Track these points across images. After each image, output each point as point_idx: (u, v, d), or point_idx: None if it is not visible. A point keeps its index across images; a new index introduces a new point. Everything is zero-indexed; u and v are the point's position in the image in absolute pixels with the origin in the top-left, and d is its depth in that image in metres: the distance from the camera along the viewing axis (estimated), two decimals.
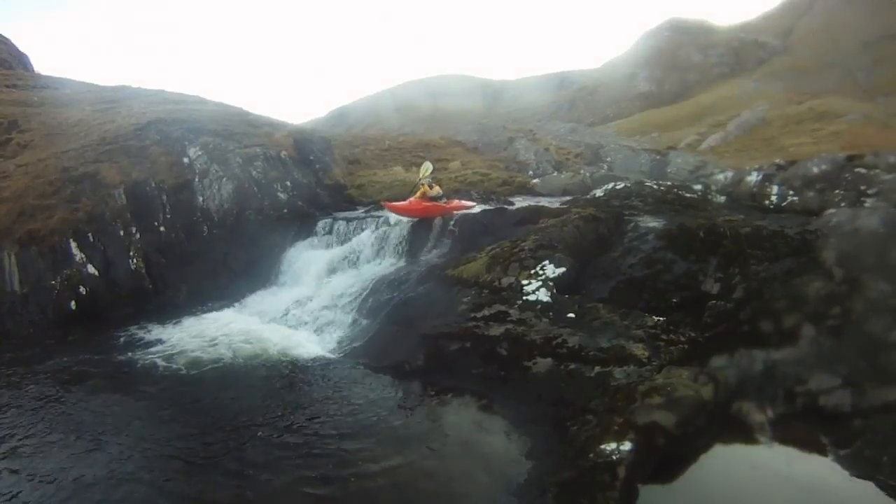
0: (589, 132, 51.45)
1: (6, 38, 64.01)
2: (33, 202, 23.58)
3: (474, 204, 22.66)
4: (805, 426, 10.12)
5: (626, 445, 8.75)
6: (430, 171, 22.25)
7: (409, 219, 21.42)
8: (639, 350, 11.28)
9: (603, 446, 8.88)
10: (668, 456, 9.10)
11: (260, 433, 11.81)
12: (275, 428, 11.94)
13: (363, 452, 10.65)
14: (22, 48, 66.10)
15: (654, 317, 12.56)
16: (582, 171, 31.67)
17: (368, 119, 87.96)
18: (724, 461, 9.61)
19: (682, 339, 11.60)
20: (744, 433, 10.06)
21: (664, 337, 11.66)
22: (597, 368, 11.28)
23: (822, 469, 9.34)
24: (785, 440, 9.90)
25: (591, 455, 8.83)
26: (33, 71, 59.55)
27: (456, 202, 22.24)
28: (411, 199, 21.46)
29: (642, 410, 9.35)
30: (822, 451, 9.66)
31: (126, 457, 11.25)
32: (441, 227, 20.50)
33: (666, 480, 9.11)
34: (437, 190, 21.74)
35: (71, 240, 22.53)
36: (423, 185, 21.44)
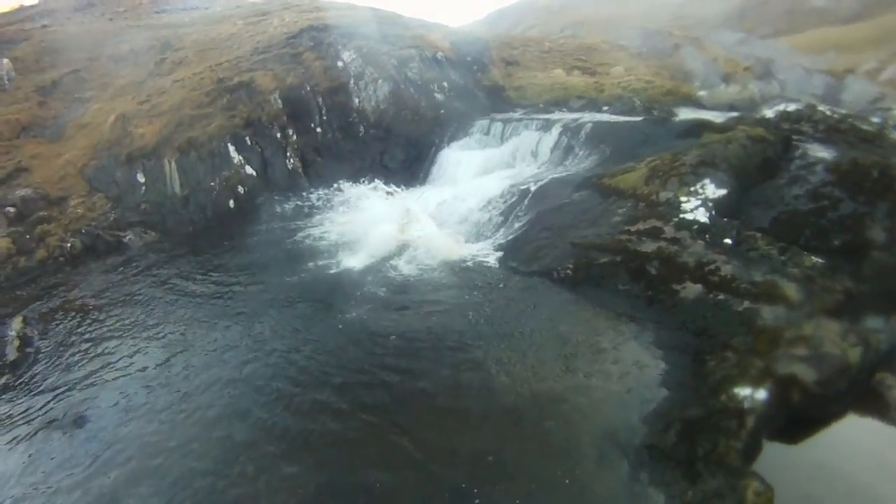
0: (760, 45, 47.42)
1: None
2: (191, 112, 25.71)
3: None
4: None
5: (761, 394, 8.39)
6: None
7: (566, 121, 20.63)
8: (791, 291, 10.48)
9: (736, 390, 8.57)
10: (799, 414, 8.58)
11: (400, 327, 12.78)
12: (414, 323, 12.88)
13: (500, 354, 11.16)
14: None
15: (812, 257, 11.57)
16: (751, 86, 29.62)
17: (528, 20, 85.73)
18: (856, 434, 8.89)
19: (839, 287, 10.58)
20: (882, 408, 9.12)
21: (820, 281, 10.70)
22: (745, 303, 10.67)
23: None
24: None
25: (723, 397, 8.57)
26: None
27: None
28: None
29: (784, 359, 8.83)
30: None
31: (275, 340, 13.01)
32: (597, 132, 19.72)
33: (791, 441, 8.65)
34: None
35: (229, 144, 24.60)
36: None
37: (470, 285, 14.38)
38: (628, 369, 10.33)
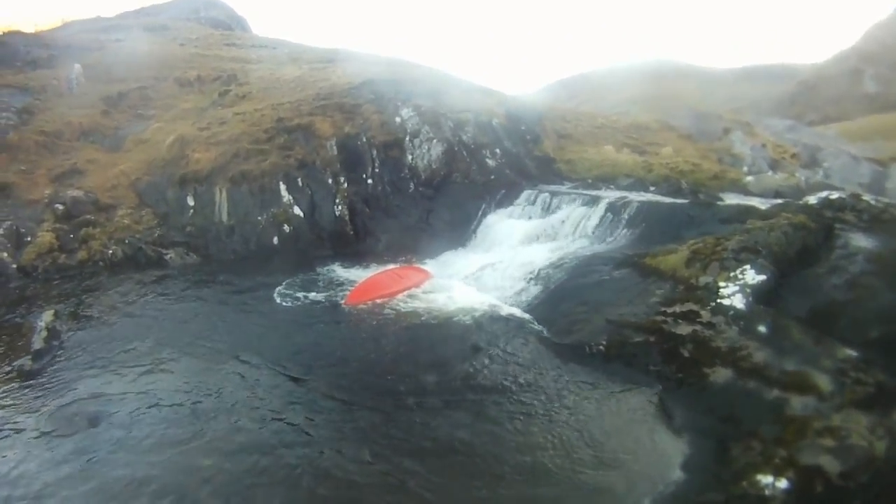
0: (808, 132, 47.85)
1: (224, 3, 71.74)
2: (248, 146, 27.07)
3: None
4: None
5: (783, 483, 8.65)
6: None
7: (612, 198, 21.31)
8: (823, 382, 10.72)
9: (759, 477, 8.83)
10: None
11: (422, 382, 13.04)
12: (436, 382, 13.03)
13: (523, 422, 11.36)
14: (240, 13, 72.90)
15: (846, 349, 11.73)
16: (797, 174, 30.08)
17: (582, 95, 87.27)
18: None
19: (871, 380, 10.82)
20: None
21: (852, 374, 10.89)
22: (775, 392, 10.92)
23: None
24: None
25: (745, 483, 8.83)
26: (251, 33, 64.67)
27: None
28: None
29: (809, 449, 9.10)
30: None
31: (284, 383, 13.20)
32: (642, 212, 20.21)
33: None
34: None
35: (281, 182, 25.65)
36: None
37: (499, 350, 14.74)
38: (651, 449, 10.57)
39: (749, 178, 28.68)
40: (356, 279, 20.48)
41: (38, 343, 15.36)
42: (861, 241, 15.76)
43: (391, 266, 21.73)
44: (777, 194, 25.43)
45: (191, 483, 9.39)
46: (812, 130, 50.07)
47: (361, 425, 11.24)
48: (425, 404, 12.11)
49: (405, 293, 19.08)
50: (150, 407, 11.88)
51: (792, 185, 26.81)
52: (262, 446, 10.38)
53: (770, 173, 31.00)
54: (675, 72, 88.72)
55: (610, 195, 22.47)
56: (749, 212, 18.62)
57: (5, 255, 21.72)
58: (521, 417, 11.54)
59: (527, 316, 16.97)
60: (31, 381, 13.31)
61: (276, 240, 24.43)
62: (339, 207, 25.60)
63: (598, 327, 14.87)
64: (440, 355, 14.48)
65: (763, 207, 19.05)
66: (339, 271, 22.17)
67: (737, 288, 14.26)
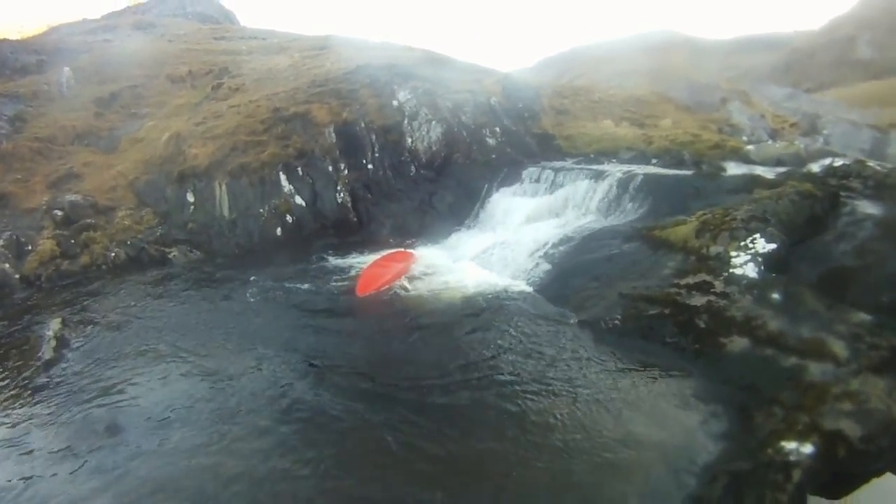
0: (806, 100, 47.38)
1: None
2: (245, 138, 27.00)
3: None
4: None
5: (808, 448, 8.64)
6: None
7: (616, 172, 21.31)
8: (839, 348, 10.72)
9: (783, 444, 8.83)
10: (842, 470, 8.80)
11: (444, 368, 12.96)
12: (459, 367, 12.99)
13: (548, 402, 11.36)
14: (227, 6, 73.45)
15: (860, 313, 11.72)
16: (797, 142, 29.92)
17: (576, 69, 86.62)
18: (890, 496, 9.20)
19: (885, 344, 10.80)
20: None
21: (867, 339, 10.89)
22: (792, 359, 10.91)
23: None
24: None
25: (770, 450, 8.83)
26: (239, 25, 64.55)
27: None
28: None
29: (830, 414, 9.10)
30: None
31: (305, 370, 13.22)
32: (647, 184, 20.15)
33: (832, 496, 8.92)
34: None
35: (281, 172, 25.60)
36: None
37: (516, 330, 14.72)
38: (674, 422, 10.58)
39: (750, 147, 28.57)
40: (363, 265, 20.44)
41: (47, 353, 15.26)
42: (868, 207, 15.84)
43: (386, 252, 21.49)
44: (778, 162, 25.29)
45: (216, 487, 9.36)
46: (810, 98, 49.70)
47: (389, 418, 11.13)
48: (449, 389, 12.11)
49: (406, 277, 19.05)
50: (166, 410, 11.81)
51: (793, 153, 26.64)
52: (285, 446, 10.31)
53: (769, 142, 30.88)
54: (668, 42, 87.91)
55: (613, 169, 22.38)
56: (755, 181, 18.59)
57: (7, 266, 21.61)
58: (545, 396, 11.54)
59: (538, 294, 16.98)
60: (43, 393, 13.24)
61: (279, 231, 24.38)
62: (342, 195, 25.58)
63: (612, 302, 14.88)
64: (458, 339, 14.52)
65: (769, 177, 19.08)
66: (346, 259, 22.09)
67: (748, 257, 14.26)
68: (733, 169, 22.38)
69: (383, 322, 16.33)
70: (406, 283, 18.53)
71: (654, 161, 25.04)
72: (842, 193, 16.68)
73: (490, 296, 17.07)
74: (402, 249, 21.51)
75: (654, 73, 65.92)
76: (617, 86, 50.07)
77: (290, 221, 24.67)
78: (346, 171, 26.15)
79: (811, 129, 36.16)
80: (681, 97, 42.19)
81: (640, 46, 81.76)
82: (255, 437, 10.62)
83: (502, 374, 12.56)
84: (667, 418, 10.66)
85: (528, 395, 11.63)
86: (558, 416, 10.77)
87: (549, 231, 20.34)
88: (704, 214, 16.61)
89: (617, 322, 14.16)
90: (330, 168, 26.12)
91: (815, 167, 21.57)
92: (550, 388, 11.87)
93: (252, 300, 18.35)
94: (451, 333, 14.88)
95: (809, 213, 15.62)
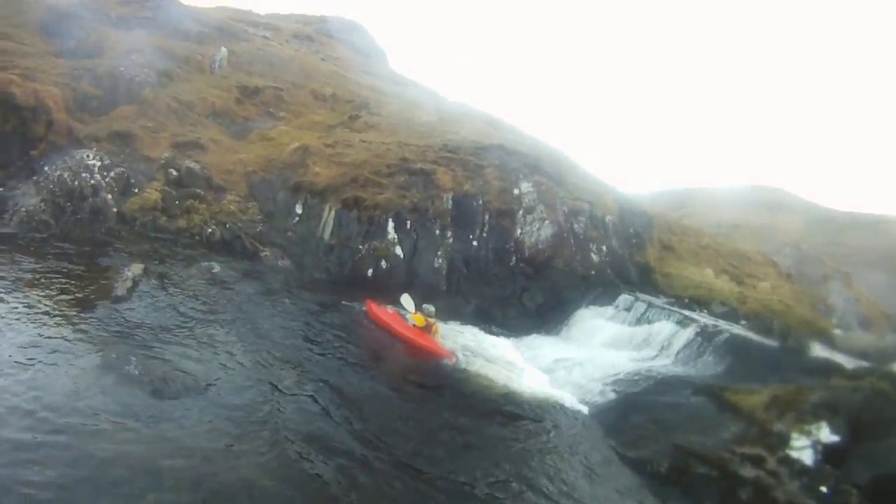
0: None
1: (365, 29, 74.86)
2: (367, 175, 27.90)
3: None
4: None
5: None
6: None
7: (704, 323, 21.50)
8: None
9: None
10: None
11: (488, 464, 12.75)
12: (502, 468, 12.72)
13: None
14: (381, 45, 75.81)
15: None
16: (888, 337, 29.47)
17: (687, 207, 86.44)
18: None
19: None
20: None
21: None
22: None
23: None
24: None
25: None
26: (388, 67, 66.57)
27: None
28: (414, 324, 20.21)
29: None
30: None
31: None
32: (731, 344, 20.28)
33: None
34: (437, 329, 20.31)
35: (391, 219, 26.24)
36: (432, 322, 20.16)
37: (562, 446, 14.68)
38: None
39: (837, 331, 28.30)
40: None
41: (121, 290, 16.26)
42: None
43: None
44: (863, 355, 24.87)
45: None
46: None
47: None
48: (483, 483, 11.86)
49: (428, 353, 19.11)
50: (207, 388, 12.21)
51: (880, 350, 26.17)
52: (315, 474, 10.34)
53: (860, 332, 30.45)
54: (780, 203, 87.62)
55: (702, 319, 22.67)
56: (835, 368, 18.63)
57: (109, 197, 22.85)
58: None
59: (594, 419, 17.03)
60: (103, 323, 13.95)
61: (370, 272, 24.83)
62: (440, 260, 26.02)
63: (664, 449, 14.96)
64: (501, 437, 14.39)
65: (849, 367, 19.02)
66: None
67: (808, 442, 14.27)
68: (817, 350, 22.23)
69: (435, 396, 16.35)
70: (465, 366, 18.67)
71: (742, 322, 25.11)
72: None
73: (545, 405, 16.98)
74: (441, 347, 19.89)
75: (763, 230, 65.80)
76: (724, 234, 50.03)
77: (384, 267, 25.09)
78: (451, 240, 26.69)
79: None
80: (784, 263, 42.23)
81: (752, 200, 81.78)
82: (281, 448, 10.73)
83: (535, 485, 12.24)
84: None
85: None
86: None
87: (625, 362, 20.58)
88: (778, 389, 16.67)
89: (663, 470, 14.26)
90: (437, 231, 26.67)
91: None
92: None
93: (327, 325, 18.82)
94: (495, 430, 14.75)
95: (880, 414, 15.34)
